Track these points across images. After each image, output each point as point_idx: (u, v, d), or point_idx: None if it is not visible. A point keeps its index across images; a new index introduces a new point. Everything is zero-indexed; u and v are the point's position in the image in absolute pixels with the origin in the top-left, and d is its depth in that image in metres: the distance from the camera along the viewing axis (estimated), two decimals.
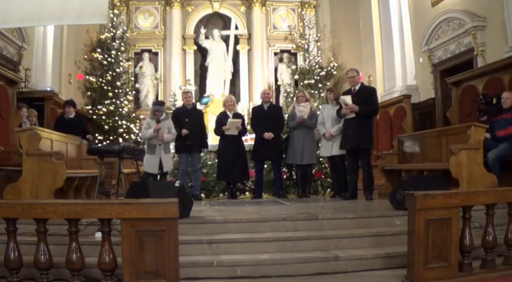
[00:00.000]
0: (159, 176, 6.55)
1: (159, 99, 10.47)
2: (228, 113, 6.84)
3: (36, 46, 8.18)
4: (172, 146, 6.93)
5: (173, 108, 8.52)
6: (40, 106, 7.41)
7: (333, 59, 11.24)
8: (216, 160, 7.24)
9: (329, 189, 7.59)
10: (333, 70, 11.07)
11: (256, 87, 10.99)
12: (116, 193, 5.96)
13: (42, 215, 2.76)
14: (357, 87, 5.95)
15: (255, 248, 3.61)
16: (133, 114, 10.34)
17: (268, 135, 6.59)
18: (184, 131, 6.55)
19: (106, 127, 9.85)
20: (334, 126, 6.33)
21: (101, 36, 10.64)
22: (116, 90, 10.21)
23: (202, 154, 7.23)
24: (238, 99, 10.56)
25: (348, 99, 5.80)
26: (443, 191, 3.58)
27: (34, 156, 4.45)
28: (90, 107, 10.14)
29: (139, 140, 6.35)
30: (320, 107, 7.52)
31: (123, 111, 10.10)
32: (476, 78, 6.58)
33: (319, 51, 11.31)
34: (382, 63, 9.63)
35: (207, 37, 11.46)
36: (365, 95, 5.86)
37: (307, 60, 11.19)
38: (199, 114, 7.06)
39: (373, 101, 5.99)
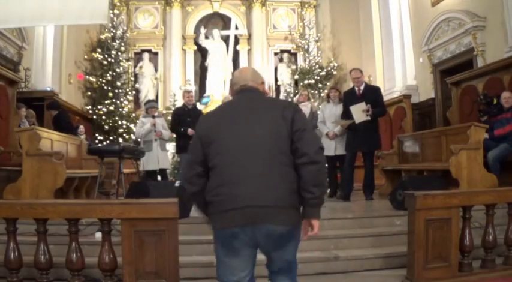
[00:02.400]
0: (159, 176, 6.56)
1: (159, 99, 10.46)
2: None
3: (36, 46, 8.19)
4: (170, 145, 6.91)
5: (173, 108, 8.50)
6: (40, 106, 7.40)
7: (333, 59, 11.24)
8: None
9: (329, 190, 7.55)
10: (333, 70, 11.07)
11: None
12: (116, 193, 5.95)
13: (42, 215, 2.76)
14: (361, 87, 5.73)
15: None
16: (134, 114, 10.34)
17: None
18: (191, 131, 6.53)
19: (106, 127, 9.85)
20: (335, 125, 6.27)
21: (101, 36, 10.64)
22: (116, 90, 10.22)
23: None
24: None
25: (362, 106, 5.50)
26: (443, 191, 3.59)
27: (34, 156, 4.45)
28: (90, 107, 10.15)
29: (139, 140, 6.38)
30: (320, 106, 7.49)
31: (123, 111, 10.11)
32: (476, 78, 6.58)
33: (319, 51, 11.31)
34: (382, 63, 9.64)
35: (207, 37, 11.45)
36: (372, 96, 5.65)
37: (307, 60, 11.19)
38: (200, 114, 7.06)
39: (381, 101, 5.86)
